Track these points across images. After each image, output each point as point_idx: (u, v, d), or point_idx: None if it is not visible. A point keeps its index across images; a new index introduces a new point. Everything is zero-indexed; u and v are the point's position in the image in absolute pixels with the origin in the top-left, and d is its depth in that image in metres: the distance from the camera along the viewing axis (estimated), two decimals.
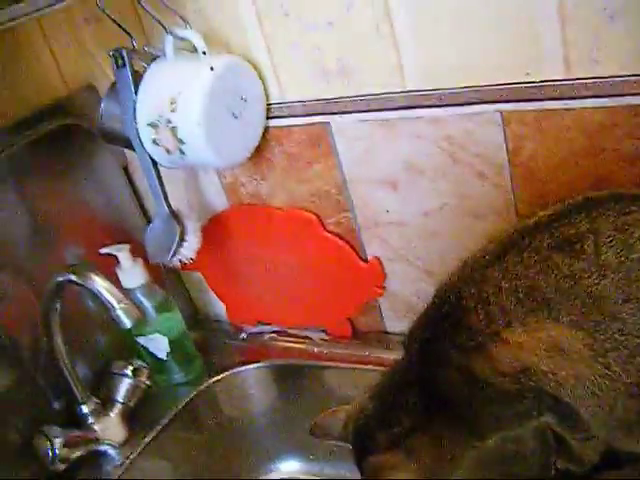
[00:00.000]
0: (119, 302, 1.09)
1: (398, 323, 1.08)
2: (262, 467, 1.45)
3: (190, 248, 1.27)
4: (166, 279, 1.48)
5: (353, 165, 1.21)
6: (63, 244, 1.33)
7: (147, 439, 1.29)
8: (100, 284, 1.10)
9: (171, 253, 1.23)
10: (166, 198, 1.24)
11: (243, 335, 1.50)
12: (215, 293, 1.52)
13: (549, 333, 0.82)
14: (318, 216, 1.29)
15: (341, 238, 1.29)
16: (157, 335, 1.35)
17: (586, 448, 0.97)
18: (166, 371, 1.41)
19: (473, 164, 1.11)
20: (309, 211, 1.29)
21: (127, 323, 1.09)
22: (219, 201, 1.38)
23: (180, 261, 1.26)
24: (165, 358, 1.38)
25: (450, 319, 0.88)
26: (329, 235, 1.29)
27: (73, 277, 1.13)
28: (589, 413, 0.87)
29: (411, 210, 1.20)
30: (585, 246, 0.82)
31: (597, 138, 1.01)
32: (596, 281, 0.81)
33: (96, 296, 1.10)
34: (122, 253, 1.30)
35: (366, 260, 1.29)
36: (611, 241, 0.81)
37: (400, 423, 0.92)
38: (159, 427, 1.31)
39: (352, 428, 0.98)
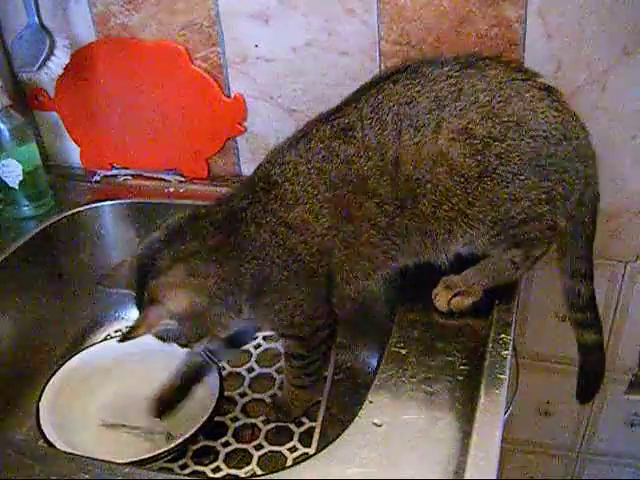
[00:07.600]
0: None
1: (254, 165, 1.13)
2: (107, 315, 1.44)
3: (59, 63, 1.26)
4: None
5: None
6: None
7: None
8: None
9: (39, 62, 1.23)
10: (37, 8, 1.23)
11: (96, 177, 1.49)
12: (70, 135, 1.50)
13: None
14: (187, 49, 1.31)
15: (208, 73, 1.32)
16: (11, 160, 1.33)
17: None
18: (15, 202, 1.38)
19: (345, 0, 1.18)
20: (179, 44, 1.31)
21: None
22: (86, 33, 1.35)
23: (47, 75, 1.26)
24: (16, 187, 1.36)
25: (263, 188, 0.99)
26: (196, 69, 1.32)
27: None
28: None
29: (280, 45, 1.25)
30: (356, 132, 0.95)
31: None
32: (363, 164, 0.94)
33: None
34: None
35: (230, 96, 1.33)
36: (370, 123, 0.94)
37: (185, 242, 0.95)
38: (4, 255, 1.28)
39: (136, 255, 0.99)
